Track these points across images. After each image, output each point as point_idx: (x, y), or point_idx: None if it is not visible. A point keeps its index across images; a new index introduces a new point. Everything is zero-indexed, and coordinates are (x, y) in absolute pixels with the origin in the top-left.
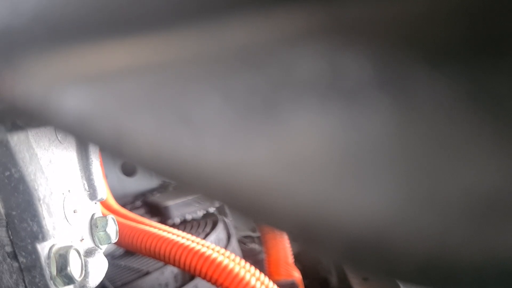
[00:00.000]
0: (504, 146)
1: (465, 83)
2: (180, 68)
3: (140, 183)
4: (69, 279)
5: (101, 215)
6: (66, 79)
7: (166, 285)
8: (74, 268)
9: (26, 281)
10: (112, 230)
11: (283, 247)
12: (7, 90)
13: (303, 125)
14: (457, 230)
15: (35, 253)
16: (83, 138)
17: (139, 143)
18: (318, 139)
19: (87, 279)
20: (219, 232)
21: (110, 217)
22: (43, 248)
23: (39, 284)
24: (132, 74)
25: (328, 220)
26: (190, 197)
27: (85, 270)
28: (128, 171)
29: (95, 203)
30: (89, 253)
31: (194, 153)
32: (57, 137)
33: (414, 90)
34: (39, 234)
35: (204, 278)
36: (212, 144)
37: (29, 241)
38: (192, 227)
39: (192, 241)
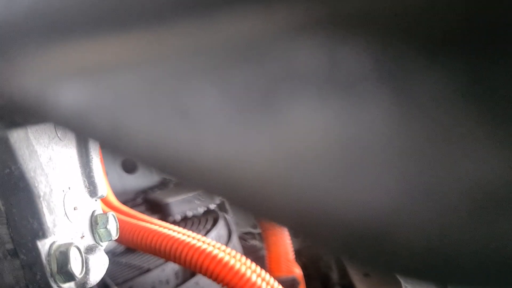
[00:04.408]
0: (503, 138)
1: (464, 75)
2: (177, 61)
3: (141, 180)
4: (70, 276)
5: (102, 212)
6: (63, 73)
7: (167, 282)
8: (75, 265)
9: (27, 279)
10: (113, 227)
11: (284, 244)
12: (4, 86)
13: (302, 118)
14: (457, 223)
15: (35, 250)
16: (81, 133)
17: (136, 136)
18: (318, 132)
19: (87, 276)
20: (220, 228)
21: (111, 214)
22: (43, 245)
23: (39, 282)
24: (129, 68)
25: (329, 214)
26: (190, 194)
27: (85, 267)
28: (129, 168)
29: (96, 200)
30: (89, 250)
31: (192, 146)
32: (57, 134)
33: (413, 82)
34: (39, 231)
35: (205, 274)
36: (210, 138)
37: (29, 238)
38: (192, 224)
39: (193, 238)
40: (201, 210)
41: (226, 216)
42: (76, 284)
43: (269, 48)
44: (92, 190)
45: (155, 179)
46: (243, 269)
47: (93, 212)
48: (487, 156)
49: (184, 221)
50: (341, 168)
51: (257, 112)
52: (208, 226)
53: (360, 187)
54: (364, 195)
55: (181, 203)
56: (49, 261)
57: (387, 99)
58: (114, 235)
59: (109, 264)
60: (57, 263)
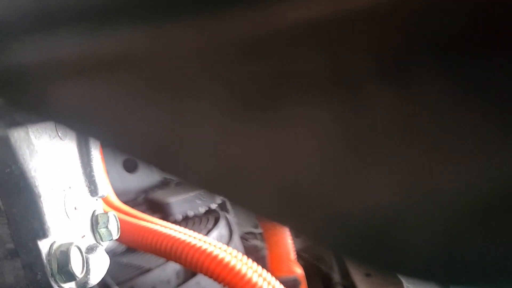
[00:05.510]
0: (509, 140)
1: (470, 75)
2: (178, 59)
3: (142, 179)
4: (71, 276)
5: (102, 211)
6: (64, 71)
7: (168, 281)
8: (75, 265)
9: (27, 278)
10: (114, 227)
11: (285, 244)
12: (4, 84)
13: (305, 117)
14: (460, 224)
15: (36, 250)
16: (81, 132)
17: (136, 135)
18: (320, 131)
19: (88, 276)
20: (221, 228)
21: (112, 213)
22: (44, 245)
23: (40, 282)
24: (130, 66)
25: (332, 213)
26: (192, 194)
27: (86, 267)
28: (130, 167)
29: (96, 199)
30: (90, 249)
31: (191, 145)
32: (57, 133)
33: (418, 82)
34: (40, 231)
35: (206, 274)
36: (209, 137)
37: (30, 238)
38: (194, 223)
39: (194, 238)
40: (202, 209)
41: (228, 216)
42: (76, 284)
43: (272, 47)
44: (93, 189)
45: (156, 179)
46: (244, 269)
47: (94, 211)
48: (495, 158)
49: (185, 221)
50: (346, 167)
51: (259, 111)
52: (210, 226)
53: (363, 186)
54: (368, 194)
55: (182, 202)
56: (49, 261)
57: (391, 99)
58: (115, 235)
59: (109, 264)
60: (57, 263)
